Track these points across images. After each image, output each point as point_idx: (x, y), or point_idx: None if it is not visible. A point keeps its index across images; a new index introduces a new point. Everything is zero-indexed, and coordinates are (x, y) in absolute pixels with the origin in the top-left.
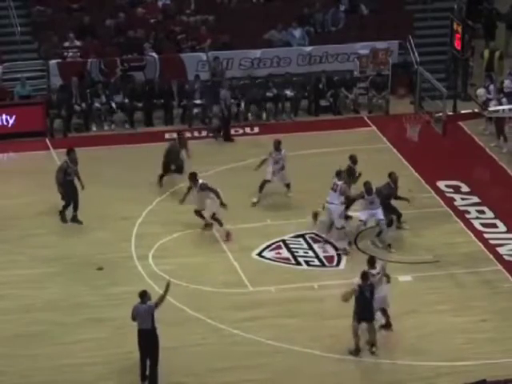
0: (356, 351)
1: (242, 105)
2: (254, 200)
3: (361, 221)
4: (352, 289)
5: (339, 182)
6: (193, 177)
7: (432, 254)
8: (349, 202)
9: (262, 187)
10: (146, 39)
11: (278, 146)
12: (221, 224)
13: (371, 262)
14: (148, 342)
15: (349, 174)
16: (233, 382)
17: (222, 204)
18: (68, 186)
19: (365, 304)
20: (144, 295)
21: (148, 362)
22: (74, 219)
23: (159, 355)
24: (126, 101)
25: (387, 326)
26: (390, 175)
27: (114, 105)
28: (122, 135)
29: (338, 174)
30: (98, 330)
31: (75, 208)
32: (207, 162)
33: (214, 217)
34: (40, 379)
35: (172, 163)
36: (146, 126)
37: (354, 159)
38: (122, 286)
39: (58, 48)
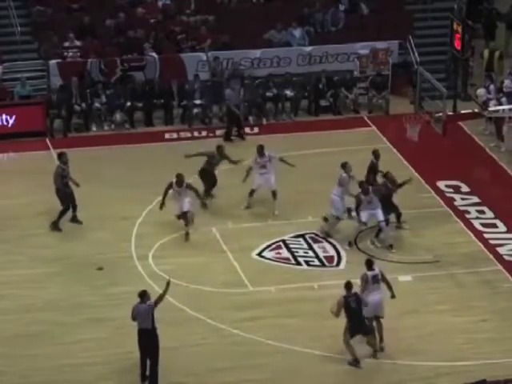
0: (355, 361)
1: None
2: (244, 205)
3: (360, 222)
4: (338, 301)
5: (344, 175)
6: (181, 178)
7: (432, 254)
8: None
9: (251, 194)
10: (146, 39)
11: (261, 150)
12: (187, 223)
13: (369, 264)
14: (148, 341)
15: (371, 170)
16: (233, 381)
17: (204, 204)
18: (66, 188)
19: (354, 316)
20: (144, 295)
21: (148, 362)
22: (74, 219)
23: (159, 355)
24: (128, 104)
25: (379, 340)
26: (386, 175)
27: (118, 116)
28: (121, 135)
29: (343, 166)
30: (98, 330)
31: (74, 209)
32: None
33: (186, 214)
34: (40, 379)
35: (209, 176)
36: (146, 126)
37: (376, 154)
38: (121, 286)
39: (58, 48)
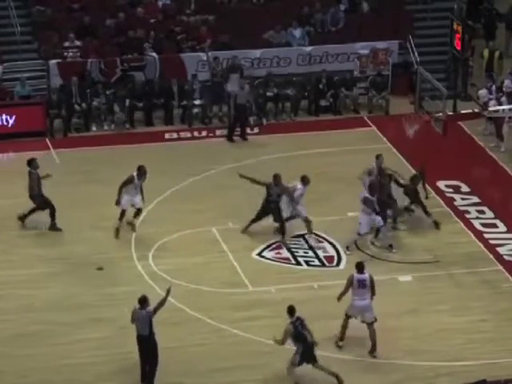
0: None
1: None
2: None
3: (359, 234)
4: (286, 329)
5: (372, 164)
6: (144, 169)
7: (432, 254)
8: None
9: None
10: (146, 39)
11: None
12: (121, 219)
13: (359, 267)
14: (146, 347)
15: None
16: (233, 381)
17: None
18: (42, 193)
19: (305, 340)
20: (144, 301)
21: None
22: (23, 219)
23: (157, 359)
24: (127, 101)
25: (372, 349)
26: (390, 176)
27: (118, 116)
28: (121, 135)
29: (376, 158)
30: (98, 330)
31: (34, 211)
32: (207, 162)
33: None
34: (39, 379)
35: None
36: (146, 126)
37: (422, 168)
38: (121, 286)
39: (57, 48)
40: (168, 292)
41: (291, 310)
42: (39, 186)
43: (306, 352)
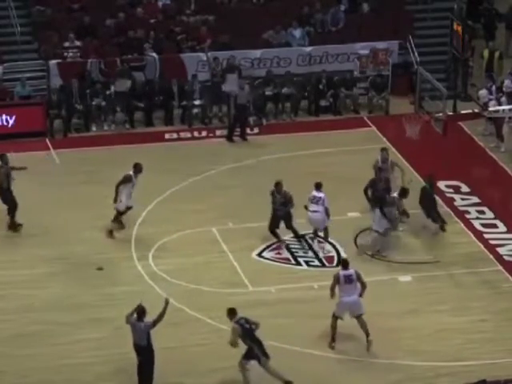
0: None
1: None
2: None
3: (373, 230)
4: (232, 329)
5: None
6: (141, 166)
7: (432, 254)
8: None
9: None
10: (146, 39)
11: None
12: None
13: (344, 263)
14: (143, 357)
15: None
16: (233, 381)
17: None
18: (10, 190)
19: (252, 336)
20: (142, 313)
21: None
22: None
23: (153, 367)
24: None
25: (366, 335)
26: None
27: (118, 116)
28: (121, 135)
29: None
30: (98, 330)
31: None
32: (207, 161)
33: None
34: (39, 379)
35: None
36: (146, 126)
37: (430, 179)
38: (121, 286)
39: (58, 48)
40: (166, 304)
41: (231, 312)
42: (8, 181)
43: (262, 347)
